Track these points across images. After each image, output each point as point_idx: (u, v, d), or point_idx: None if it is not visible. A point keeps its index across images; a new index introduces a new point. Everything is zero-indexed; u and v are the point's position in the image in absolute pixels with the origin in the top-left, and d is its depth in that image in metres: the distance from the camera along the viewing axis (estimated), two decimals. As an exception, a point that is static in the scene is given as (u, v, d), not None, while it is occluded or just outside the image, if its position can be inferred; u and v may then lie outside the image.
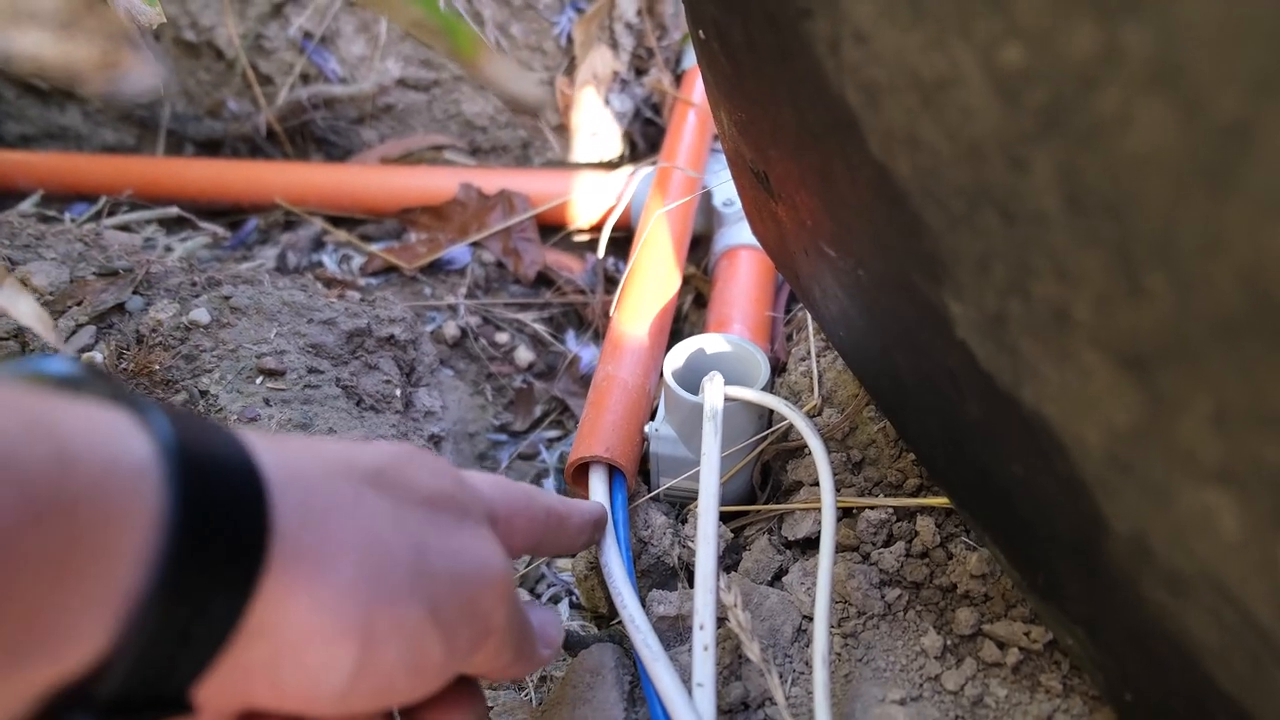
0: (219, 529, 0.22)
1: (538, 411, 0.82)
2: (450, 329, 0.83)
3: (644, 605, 0.49)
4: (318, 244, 0.96)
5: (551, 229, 0.93)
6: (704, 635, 0.43)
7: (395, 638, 0.26)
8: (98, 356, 0.62)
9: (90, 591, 0.20)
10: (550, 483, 0.75)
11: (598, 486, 0.54)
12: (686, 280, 0.83)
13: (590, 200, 0.90)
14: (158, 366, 0.62)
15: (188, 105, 1.09)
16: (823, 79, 0.28)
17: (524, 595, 0.62)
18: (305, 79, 1.04)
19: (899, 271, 0.32)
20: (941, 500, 0.49)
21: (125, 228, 0.94)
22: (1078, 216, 0.21)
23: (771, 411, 0.56)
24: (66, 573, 0.20)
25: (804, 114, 0.32)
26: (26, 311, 0.40)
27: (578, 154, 1.01)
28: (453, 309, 0.86)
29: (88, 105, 1.10)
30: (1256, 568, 0.24)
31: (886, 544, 0.50)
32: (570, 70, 0.99)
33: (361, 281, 0.88)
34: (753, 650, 0.43)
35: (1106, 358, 0.24)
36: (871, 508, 0.50)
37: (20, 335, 0.63)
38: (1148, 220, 0.19)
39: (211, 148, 1.09)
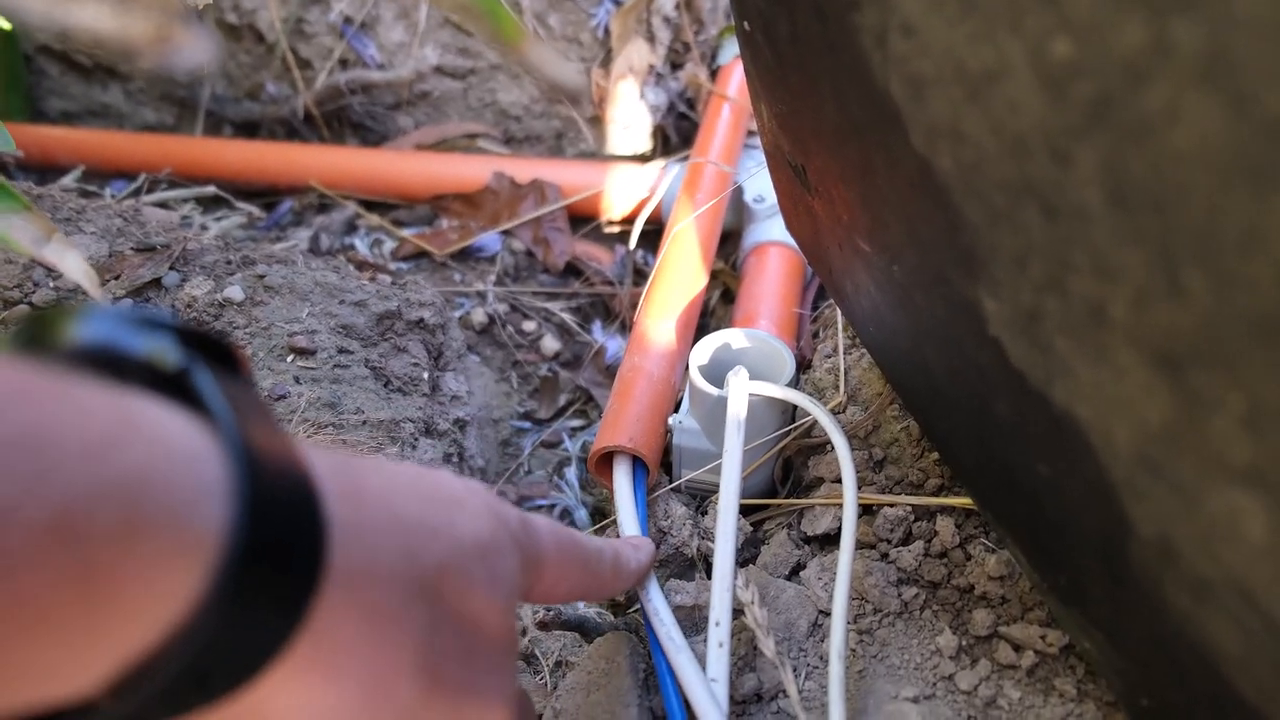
0: (259, 610, 0.22)
1: (562, 400, 0.83)
2: (478, 315, 0.84)
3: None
4: (350, 227, 0.97)
5: (582, 220, 0.93)
6: (719, 632, 0.43)
7: None
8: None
9: (100, 644, 0.19)
10: (573, 471, 0.76)
11: (620, 477, 0.54)
12: (715, 276, 0.83)
13: (621, 192, 0.90)
14: (192, 340, 0.63)
15: (227, 87, 1.10)
16: (868, 71, 0.28)
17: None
18: (344, 64, 1.05)
19: (934, 267, 0.32)
20: (962, 501, 0.49)
21: (163, 205, 0.95)
22: (1119, 212, 0.21)
23: (795, 407, 0.56)
24: (85, 621, 0.19)
25: (846, 107, 0.32)
26: (74, 267, 0.41)
27: (611, 146, 1.01)
28: (481, 296, 0.86)
29: (130, 84, 1.12)
30: (1283, 573, 0.24)
31: (905, 542, 0.50)
32: (606, 62, 0.99)
33: (392, 266, 0.89)
34: (768, 646, 0.43)
35: (1141, 356, 0.24)
36: (891, 505, 0.50)
37: (60, 306, 0.64)
38: (1189, 216, 0.19)
39: (249, 129, 1.10)
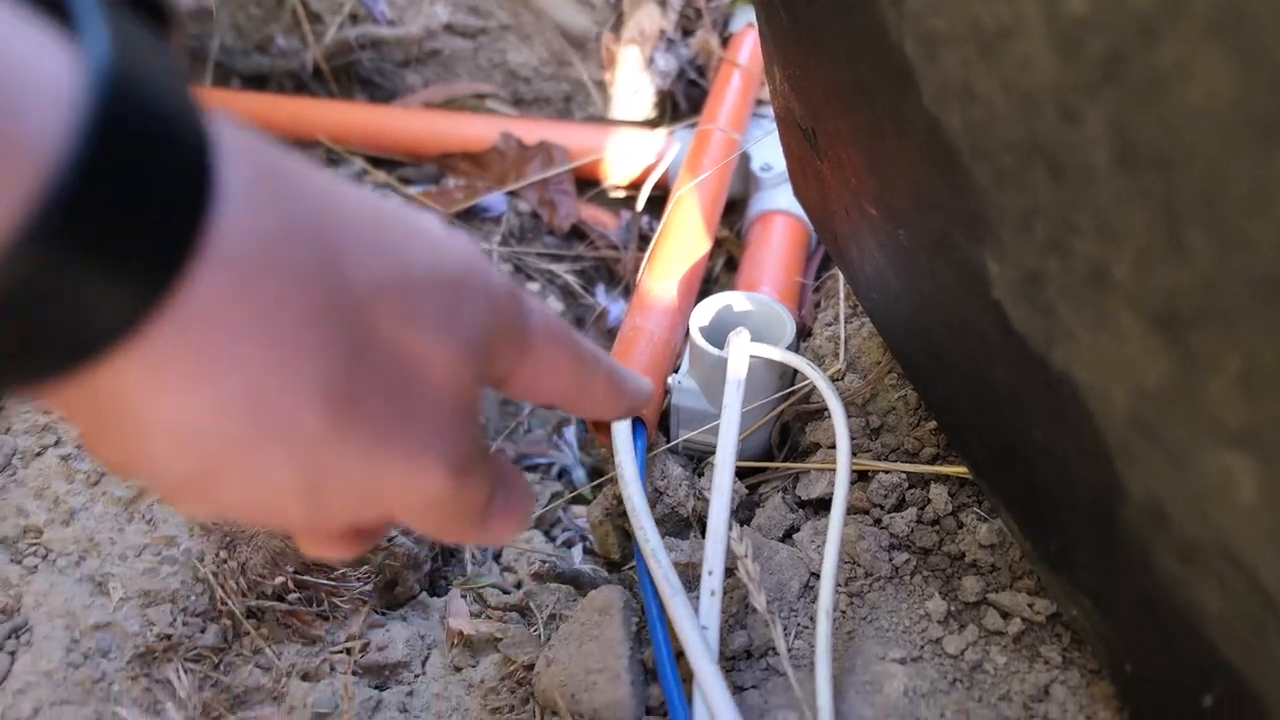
0: (96, 261, 0.17)
1: (563, 362, 0.83)
2: (482, 275, 0.84)
3: (656, 552, 0.50)
4: (357, 183, 0.96)
5: (589, 183, 0.93)
6: (712, 580, 0.44)
7: (244, 479, 0.22)
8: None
9: None
10: (571, 430, 0.76)
11: (620, 435, 0.55)
12: (719, 243, 0.83)
13: (628, 157, 0.90)
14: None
15: (237, 39, 1.09)
16: (882, 30, 0.29)
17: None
18: (354, 19, 1.04)
19: (940, 230, 0.32)
20: (957, 469, 0.50)
21: (167, 154, 0.95)
22: (1125, 171, 0.21)
23: (795, 372, 0.56)
24: None
25: (859, 67, 0.32)
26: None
27: (619, 110, 1.01)
28: (486, 255, 0.86)
29: (138, 32, 1.11)
30: (1269, 534, 0.24)
31: (898, 509, 0.50)
32: (617, 26, 0.99)
33: (397, 223, 0.89)
34: (759, 600, 0.44)
35: (1141, 318, 0.24)
36: (886, 472, 0.51)
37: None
38: (1195, 175, 0.20)
39: (258, 82, 1.10)
